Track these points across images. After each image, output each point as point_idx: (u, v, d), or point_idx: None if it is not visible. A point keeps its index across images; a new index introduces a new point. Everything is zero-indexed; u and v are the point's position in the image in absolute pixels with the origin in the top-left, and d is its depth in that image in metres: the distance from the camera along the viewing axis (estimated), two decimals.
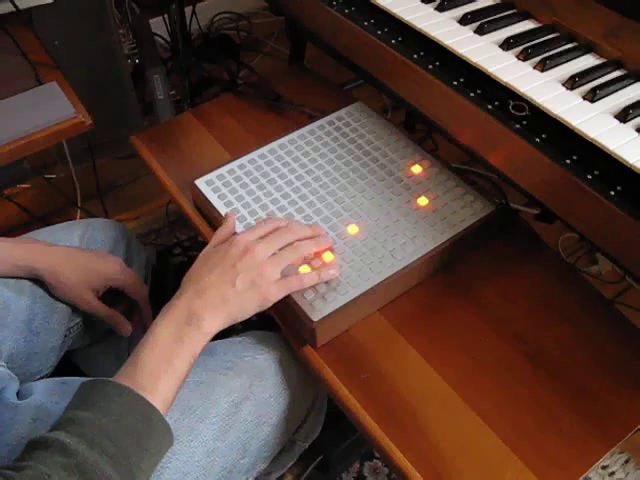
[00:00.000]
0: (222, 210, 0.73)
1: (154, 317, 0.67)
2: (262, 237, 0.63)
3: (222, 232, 0.67)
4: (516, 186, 0.65)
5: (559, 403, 0.60)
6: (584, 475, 0.56)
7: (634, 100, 0.61)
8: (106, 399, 0.50)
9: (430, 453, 0.57)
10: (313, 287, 0.64)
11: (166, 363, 0.54)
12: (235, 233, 0.68)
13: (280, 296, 0.62)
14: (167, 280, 1.04)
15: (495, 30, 0.71)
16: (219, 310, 0.58)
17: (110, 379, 0.52)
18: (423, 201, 0.72)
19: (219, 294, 0.59)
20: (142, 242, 1.26)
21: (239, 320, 0.60)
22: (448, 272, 0.70)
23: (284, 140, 0.81)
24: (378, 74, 0.76)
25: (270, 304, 0.62)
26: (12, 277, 0.71)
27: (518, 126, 0.61)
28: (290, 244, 0.64)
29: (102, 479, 0.45)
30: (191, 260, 0.64)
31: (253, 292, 0.60)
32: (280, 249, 0.63)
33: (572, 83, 0.63)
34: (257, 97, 0.91)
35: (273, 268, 0.62)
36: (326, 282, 0.65)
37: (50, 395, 0.63)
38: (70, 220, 0.87)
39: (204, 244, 0.67)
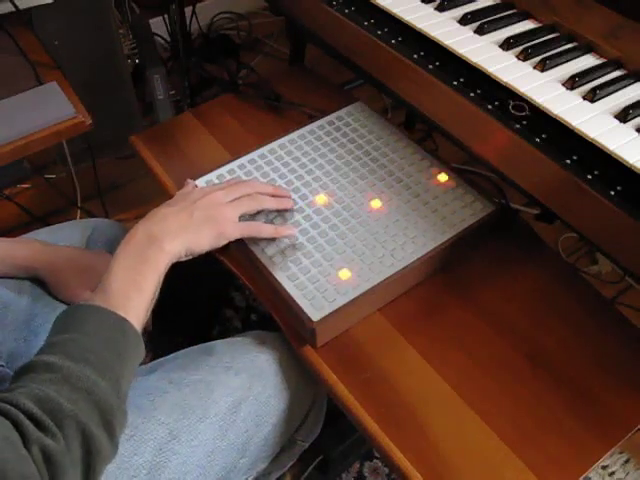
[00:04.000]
0: None
1: (153, 317, 0.67)
2: (220, 189, 0.67)
3: (183, 191, 0.70)
4: (516, 186, 0.65)
5: (559, 403, 0.60)
6: (584, 475, 0.56)
7: (634, 100, 0.61)
8: (81, 320, 0.52)
9: (430, 453, 0.57)
10: (314, 285, 0.64)
11: (132, 283, 0.56)
12: None
13: (236, 235, 0.66)
14: (166, 280, 1.04)
15: (495, 30, 0.71)
16: (178, 235, 0.61)
17: (82, 303, 0.54)
18: (423, 201, 0.72)
19: (177, 222, 0.62)
20: None
21: (196, 252, 0.63)
22: (448, 272, 0.70)
23: (284, 140, 0.81)
24: (378, 74, 0.76)
25: (225, 240, 0.65)
26: (12, 277, 0.71)
27: (518, 126, 0.61)
28: (249, 196, 0.68)
29: (89, 385, 0.47)
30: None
31: (210, 225, 0.64)
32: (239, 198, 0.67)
33: (572, 83, 0.63)
34: (257, 97, 0.91)
35: (231, 209, 0.66)
36: (325, 277, 0.65)
37: None
38: (70, 220, 0.87)
39: None
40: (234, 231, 0.66)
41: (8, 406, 0.43)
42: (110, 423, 0.48)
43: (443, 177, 0.75)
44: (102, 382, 0.48)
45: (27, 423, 0.43)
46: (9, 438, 0.42)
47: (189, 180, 0.73)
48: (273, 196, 0.71)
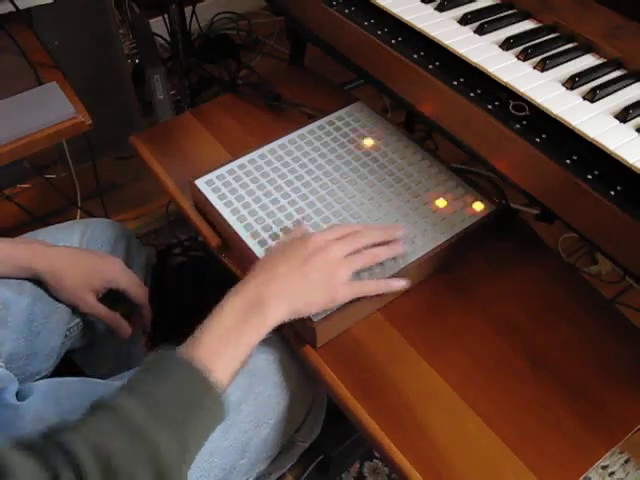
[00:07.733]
0: (222, 210, 0.73)
1: (154, 320, 0.67)
2: (337, 239, 0.63)
3: (296, 232, 0.67)
4: (516, 186, 0.65)
5: (559, 403, 0.60)
6: (584, 475, 0.56)
7: (634, 100, 0.61)
8: (166, 372, 0.51)
9: (430, 453, 0.57)
10: None
11: (226, 342, 0.55)
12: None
13: (348, 298, 0.62)
14: (167, 280, 1.04)
15: (495, 30, 0.71)
16: (285, 301, 0.58)
17: (173, 353, 0.53)
18: (423, 201, 0.72)
19: (289, 284, 0.59)
20: (142, 242, 1.26)
21: (303, 315, 0.60)
22: (448, 272, 0.70)
23: (284, 140, 0.81)
24: (378, 74, 0.76)
25: (337, 304, 0.62)
26: (12, 277, 0.71)
27: (518, 126, 0.61)
28: (365, 247, 0.64)
29: (156, 443, 0.46)
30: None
31: (323, 288, 0.60)
32: (354, 252, 0.63)
33: (572, 83, 0.63)
34: (257, 97, 0.91)
35: (345, 269, 0.62)
36: None
37: (50, 395, 0.63)
38: (70, 220, 0.87)
39: (204, 244, 0.67)
40: (347, 295, 0.62)
41: (64, 459, 0.43)
42: None
43: (443, 177, 0.75)
44: (171, 442, 0.47)
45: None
46: None
47: (300, 221, 0.69)
48: (384, 237, 0.66)
